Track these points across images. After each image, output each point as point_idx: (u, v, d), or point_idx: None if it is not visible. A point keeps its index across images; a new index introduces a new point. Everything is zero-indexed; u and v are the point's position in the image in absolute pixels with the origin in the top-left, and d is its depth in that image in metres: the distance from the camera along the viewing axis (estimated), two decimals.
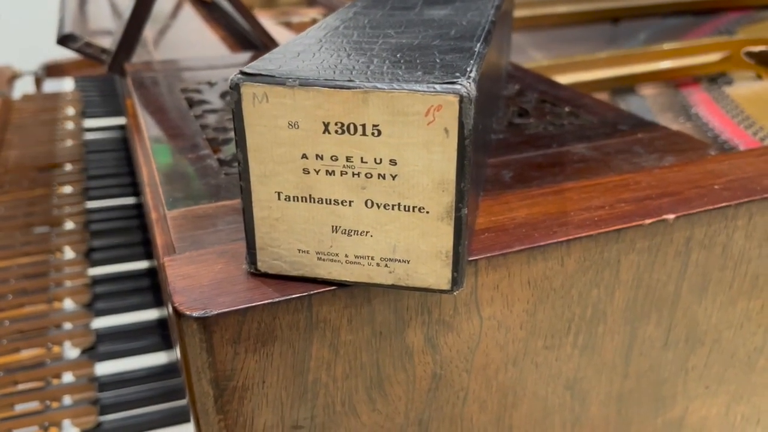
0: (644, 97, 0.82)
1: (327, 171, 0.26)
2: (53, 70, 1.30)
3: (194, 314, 0.26)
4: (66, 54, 1.26)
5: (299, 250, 0.28)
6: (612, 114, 0.49)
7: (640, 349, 0.37)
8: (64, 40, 0.61)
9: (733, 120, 0.74)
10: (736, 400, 0.42)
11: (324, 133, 0.25)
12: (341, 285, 0.28)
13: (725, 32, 0.92)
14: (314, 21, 1.03)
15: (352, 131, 0.25)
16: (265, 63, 0.26)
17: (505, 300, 0.32)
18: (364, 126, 0.25)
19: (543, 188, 0.36)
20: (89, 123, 0.99)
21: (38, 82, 1.30)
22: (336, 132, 0.25)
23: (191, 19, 0.94)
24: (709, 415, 0.42)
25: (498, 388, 0.34)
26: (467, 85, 0.24)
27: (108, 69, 0.61)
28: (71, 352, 0.59)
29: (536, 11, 1.00)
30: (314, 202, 0.27)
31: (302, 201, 0.27)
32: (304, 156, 0.26)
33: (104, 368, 0.58)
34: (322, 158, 0.26)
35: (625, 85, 0.83)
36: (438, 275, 0.27)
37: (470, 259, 0.30)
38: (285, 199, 0.27)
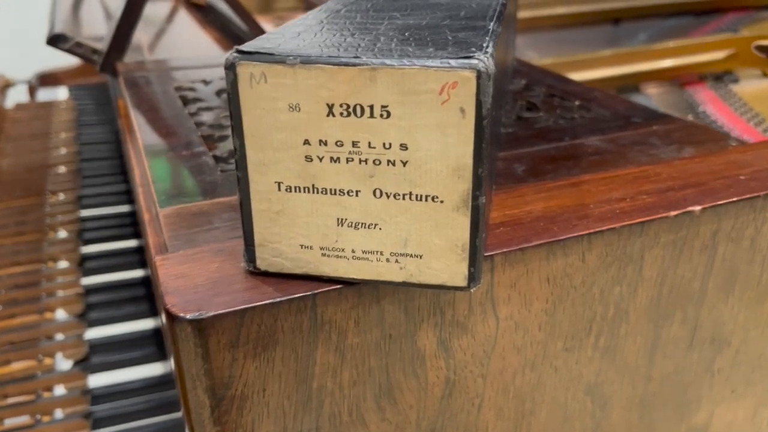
0: (649, 95, 0.81)
1: (331, 158, 0.24)
2: (47, 79, 1.29)
3: (188, 316, 0.24)
4: (59, 62, 1.25)
5: (302, 246, 0.26)
6: (624, 107, 0.47)
7: (664, 350, 0.35)
8: (54, 40, 0.59)
9: (742, 117, 0.73)
10: (763, 404, 0.40)
11: (328, 116, 0.23)
12: (348, 283, 0.26)
13: (728, 32, 0.91)
14: None
15: (358, 113, 0.23)
16: (263, 42, 0.24)
17: (522, 299, 0.30)
18: (371, 107, 0.23)
19: (559, 181, 0.34)
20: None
21: (32, 90, 1.28)
22: (341, 114, 0.23)
23: (186, 24, 0.92)
24: (735, 420, 0.40)
25: (515, 393, 0.32)
26: (485, 60, 0.22)
27: (99, 69, 0.60)
28: (63, 363, 0.58)
29: (536, 13, 0.99)
30: (318, 192, 0.25)
31: (305, 191, 0.25)
32: (307, 142, 0.24)
33: (98, 380, 0.56)
34: (325, 144, 0.24)
35: (630, 84, 0.82)
36: (453, 271, 0.25)
37: (485, 254, 0.28)
38: (286, 190, 0.25)
